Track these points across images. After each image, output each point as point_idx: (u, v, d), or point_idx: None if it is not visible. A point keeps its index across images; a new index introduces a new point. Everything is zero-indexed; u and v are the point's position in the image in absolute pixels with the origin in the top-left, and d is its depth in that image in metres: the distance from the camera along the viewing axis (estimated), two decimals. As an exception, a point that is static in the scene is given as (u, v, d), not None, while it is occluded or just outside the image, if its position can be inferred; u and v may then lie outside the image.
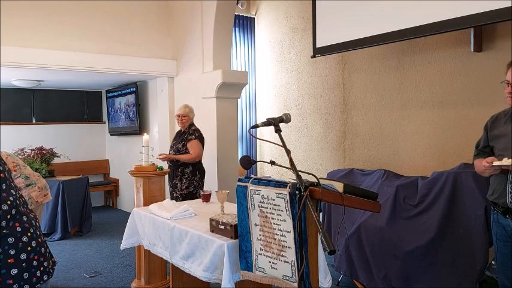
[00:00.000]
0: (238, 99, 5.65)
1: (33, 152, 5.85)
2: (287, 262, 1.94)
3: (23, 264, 1.63)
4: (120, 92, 7.11)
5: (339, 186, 1.88)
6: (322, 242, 1.55)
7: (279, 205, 1.93)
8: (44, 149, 5.97)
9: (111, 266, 4.43)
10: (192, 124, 4.41)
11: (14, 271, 1.60)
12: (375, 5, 4.02)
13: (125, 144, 7.31)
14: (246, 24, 6.54)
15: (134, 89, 6.67)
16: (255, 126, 2.04)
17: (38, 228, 1.75)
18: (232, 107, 5.28)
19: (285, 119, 2.02)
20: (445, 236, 3.06)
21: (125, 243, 3.25)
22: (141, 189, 3.78)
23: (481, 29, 3.83)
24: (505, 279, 2.27)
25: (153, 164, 3.88)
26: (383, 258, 3.27)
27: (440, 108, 4.26)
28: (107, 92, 7.53)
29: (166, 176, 4.13)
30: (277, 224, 1.96)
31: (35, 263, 1.67)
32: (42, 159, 5.85)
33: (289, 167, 1.82)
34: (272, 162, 1.99)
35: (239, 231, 2.16)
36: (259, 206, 2.03)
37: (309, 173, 1.86)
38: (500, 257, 2.30)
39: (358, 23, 4.17)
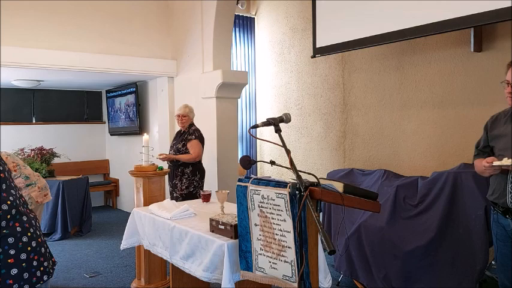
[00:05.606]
0: (238, 99, 5.65)
1: (33, 152, 5.85)
2: (287, 262, 1.94)
3: (23, 264, 1.62)
4: (120, 92, 7.11)
5: (339, 186, 1.88)
6: (322, 242, 1.55)
7: (279, 205, 1.93)
8: (44, 149, 5.97)
9: (111, 266, 4.43)
10: (192, 124, 4.41)
11: (14, 271, 1.60)
12: (375, 5, 4.02)
13: (125, 144, 7.30)
14: (246, 24, 6.54)
15: (134, 89, 6.67)
16: (255, 126, 2.04)
17: (38, 228, 1.75)
18: (232, 107, 5.28)
19: (285, 119, 2.02)
20: (445, 236, 3.06)
21: (124, 243, 3.25)
22: (141, 189, 3.78)
23: (481, 29, 3.83)
24: (505, 279, 2.27)
25: (153, 164, 3.88)
26: (383, 258, 3.27)
27: (440, 108, 4.26)
28: (107, 92, 7.53)
29: (166, 176, 4.13)
30: (277, 224, 1.96)
31: (35, 263, 1.66)
32: (42, 159, 5.85)
33: (289, 167, 1.82)
34: (272, 162, 1.99)
35: (239, 231, 2.16)
36: (259, 206, 2.03)
37: (309, 173, 1.86)
38: (500, 257, 2.30)
39: (358, 23, 4.17)
